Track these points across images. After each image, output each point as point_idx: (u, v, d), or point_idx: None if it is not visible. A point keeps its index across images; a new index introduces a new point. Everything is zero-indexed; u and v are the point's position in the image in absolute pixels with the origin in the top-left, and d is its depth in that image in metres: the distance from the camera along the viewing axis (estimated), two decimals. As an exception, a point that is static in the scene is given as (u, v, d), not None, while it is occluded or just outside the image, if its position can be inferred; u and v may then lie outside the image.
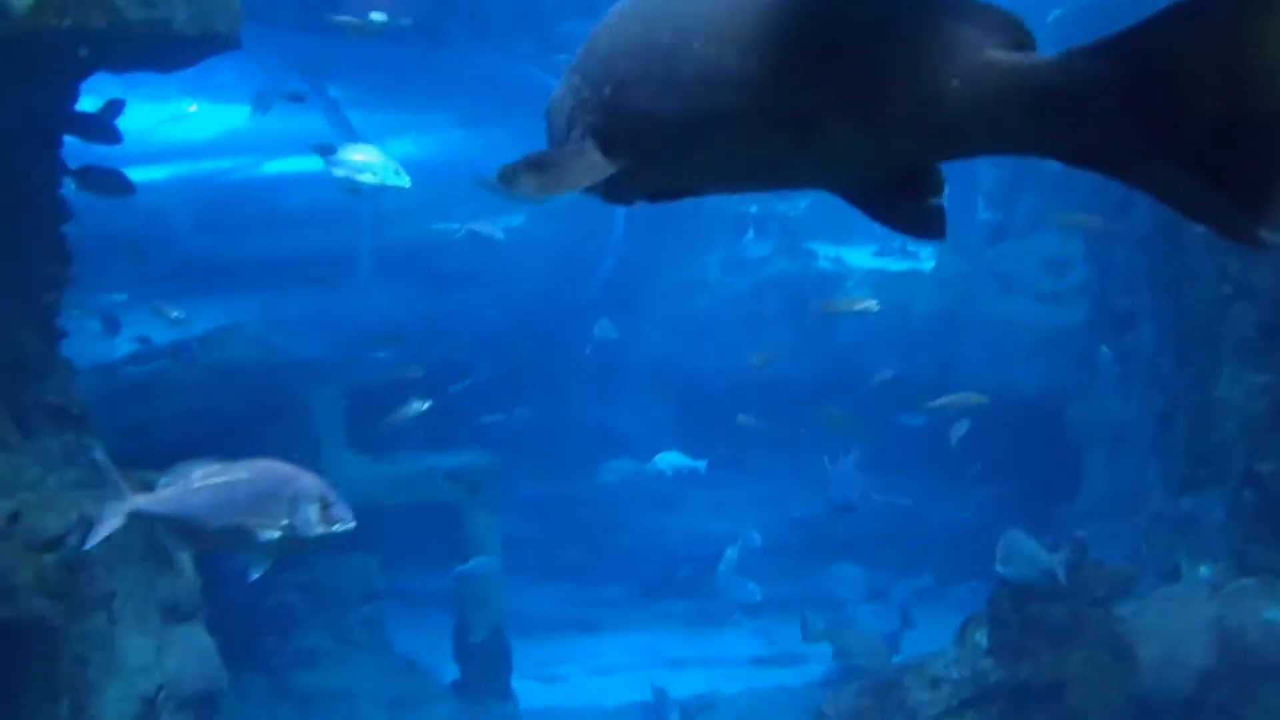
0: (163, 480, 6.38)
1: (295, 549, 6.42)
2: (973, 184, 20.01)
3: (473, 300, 17.65)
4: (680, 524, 19.67)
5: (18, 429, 9.67)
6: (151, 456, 9.84)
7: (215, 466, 6.34)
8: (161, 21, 8.89)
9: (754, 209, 20.61)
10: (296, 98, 14.29)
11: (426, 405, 14.14)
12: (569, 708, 16.02)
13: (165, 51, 9.59)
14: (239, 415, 14.87)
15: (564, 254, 18.73)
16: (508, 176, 2.62)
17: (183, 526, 6.38)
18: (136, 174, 12.99)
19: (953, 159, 2.39)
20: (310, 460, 15.52)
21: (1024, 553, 9.39)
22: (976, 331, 18.16)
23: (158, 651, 8.96)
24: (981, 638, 9.61)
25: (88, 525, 8.70)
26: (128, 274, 14.62)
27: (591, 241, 19.45)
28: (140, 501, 6.42)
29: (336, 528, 6.28)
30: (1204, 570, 10.18)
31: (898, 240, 20.93)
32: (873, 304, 13.29)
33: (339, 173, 12.04)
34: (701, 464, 17.70)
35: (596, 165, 2.60)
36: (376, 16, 14.12)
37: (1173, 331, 12.04)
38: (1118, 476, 14.78)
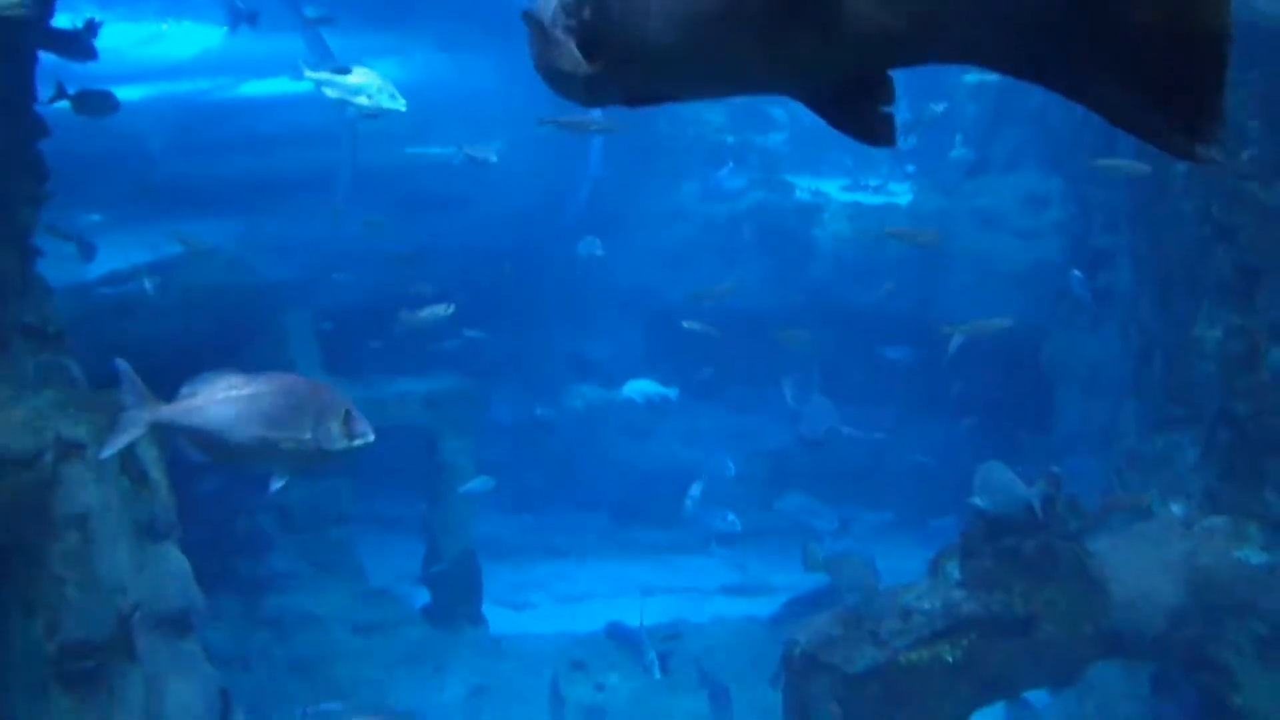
0: (184, 391, 6.32)
1: (316, 463, 6.42)
2: (952, 119, 19.96)
3: (449, 225, 17.57)
4: (652, 452, 19.72)
5: (-7, 347, 9.60)
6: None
7: (238, 379, 6.34)
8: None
9: (731, 139, 20.55)
10: (324, 20, 14.17)
11: (450, 309, 14.08)
12: (539, 634, 16.10)
13: (144, -33, 9.49)
14: (213, 337, 14.80)
15: (541, 181, 18.64)
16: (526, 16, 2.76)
17: (205, 438, 6.36)
18: (112, 94, 12.90)
19: (905, 66, 2.43)
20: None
21: (1001, 485, 9.42)
22: (953, 266, 18.17)
23: (133, 570, 8.95)
24: (954, 569, 9.67)
25: (64, 445, 8.70)
26: (102, 195, 14.51)
27: (568, 169, 19.37)
28: (163, 412, 6.39)
29: (357, 443, 6.27)
30: (1176, 508, 10.26)
31: (865, 176, 20.94)
32: (933, 235, 13.02)
33: (332, 94, 11.94)
34: (673, 391, 17.70)
35: (576, 60, 2.69)
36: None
37: (1152, 271, 12.07)
38: (1092, 413, 14.85)
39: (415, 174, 17.21)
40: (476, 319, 16.83)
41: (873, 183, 20.69)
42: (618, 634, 15.07)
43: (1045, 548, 9.50)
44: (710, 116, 20.19)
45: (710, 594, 17.61)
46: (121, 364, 6.55)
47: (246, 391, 6.28)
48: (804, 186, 19.98)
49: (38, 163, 10.21)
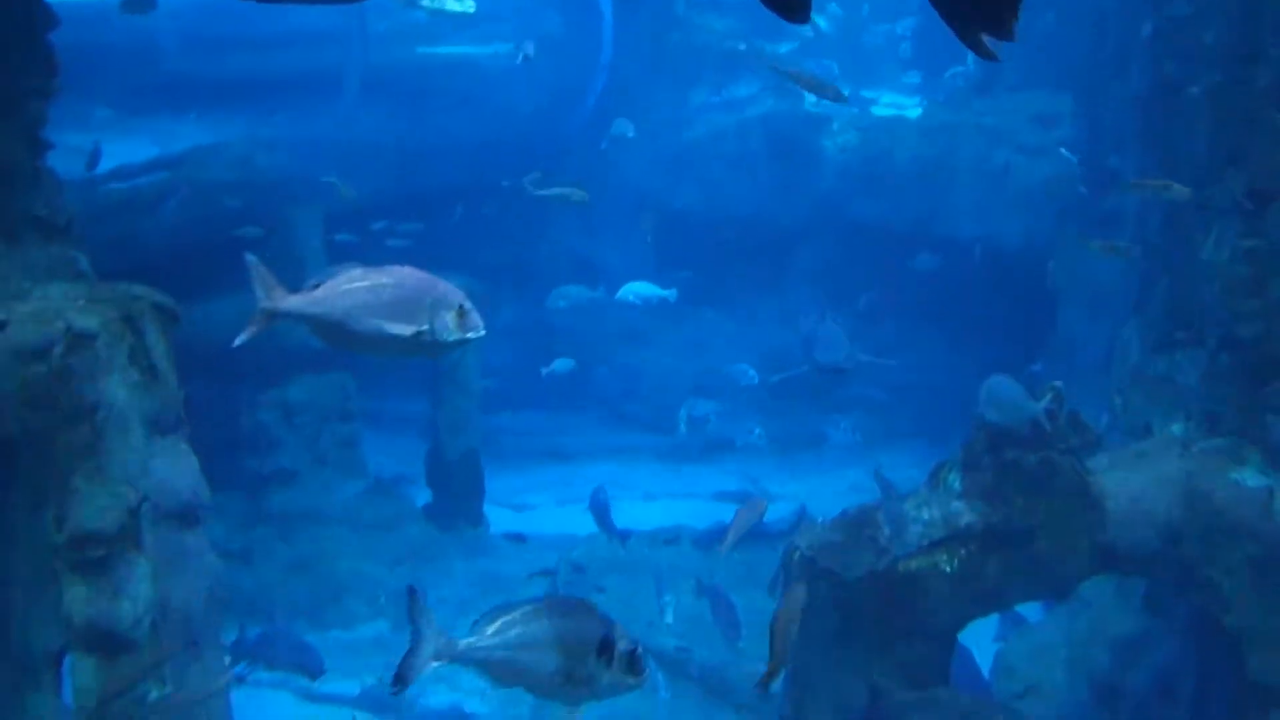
0: (309, 283, 6.53)
1: (431, 353, 6.65)
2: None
3: (459, 125, 17.53)
4: (655, 357, 19.77)
5: (3, 240, 9.62)
6: (133, 272, 9.86)
7: (360, 271, 6.54)
8: None
9: (742, 47, 20.44)
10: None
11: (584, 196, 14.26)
12: (540, 534, 16.23)
13: None
14: (220, 233, 14.82)
15: (552, 83, 18.57)
16: None
17: (327, 328, 6.54)
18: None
19: None
20: (293, 280, 15.63)
21: (1009, 398, 9.46)
22: (960, 181, 18.13)
23: (141, 463, 9.01)
24: (954, 480, 9.73)
25: (74, 336, 8.74)
26: (111, 89, 14.47)
27: (579, 71, 19.29)
28: (290, 302, 6.54)
29: (470, 334, 6.49)
30: (1176, 429, 10.31)
31: (879, 91, 20.87)
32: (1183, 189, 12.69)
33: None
34: (671, 293, 17.66)
35: None
36: None
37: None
38: (1096, 332, 14.87)
39: (426, 72, 17.16)
40: (484, 218, 16.85)
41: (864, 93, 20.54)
42: (598, 505, 15.17)
43: (1046, 462, 9.56)
44: (721, 24, 20.09)
45: (709, 499, 17.74)
46: (250, 257, 6.73)
47: (366, 283, 6.48)
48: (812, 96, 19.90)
49: (47, 55, 10.17)
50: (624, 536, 15.12)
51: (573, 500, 17.17)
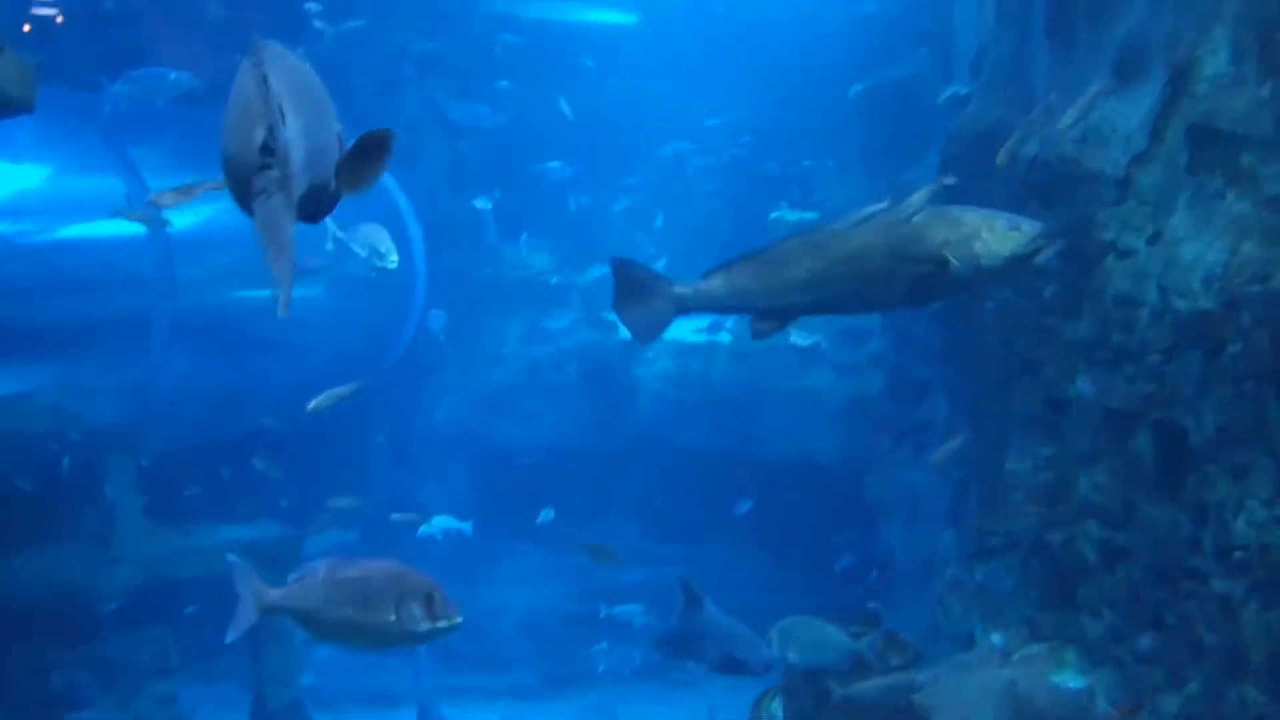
0: (292, 577, 6.99)
1: (403, 643, 6.91)
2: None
3: (272, 368, 17.44)
4: (481, 595, 19.52)
5: None
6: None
7: (341, 563, 6.94)
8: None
9: (555, 280, 20.72)
10: None
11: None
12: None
13: (-45, 114, 9.35)
14: (31, 487, 14.48)
15: (363, 324, 18.60)
16: None
17: (306, 620, 6.97)
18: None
19: None
20: (104, 531, 15.27)
21: (818, 638, 9.51)
22: (773, 403, 18.42)
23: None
24: (777, 709, 9.73)
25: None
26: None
27: (390, 312, 19.35)
28: (271, 597, 7.06)
29: (441, 624, 6.72)
30: (996, 638, 10.45)
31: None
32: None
33: (361, 251, 12.16)
34: (468, 525, 17.64)
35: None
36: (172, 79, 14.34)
37: (965, 403, 12.37)
38: (914, 545, 15.07)
39: (238, 317, 17.11)
40: (300, 460, 16.67)
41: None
42: None
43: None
44: (533, 258, 20.39)
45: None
46: (232, 558, 7.32)
47: (338, 576, 6.87)
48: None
49: None
50: None
51: (405, 747, 16.76)
